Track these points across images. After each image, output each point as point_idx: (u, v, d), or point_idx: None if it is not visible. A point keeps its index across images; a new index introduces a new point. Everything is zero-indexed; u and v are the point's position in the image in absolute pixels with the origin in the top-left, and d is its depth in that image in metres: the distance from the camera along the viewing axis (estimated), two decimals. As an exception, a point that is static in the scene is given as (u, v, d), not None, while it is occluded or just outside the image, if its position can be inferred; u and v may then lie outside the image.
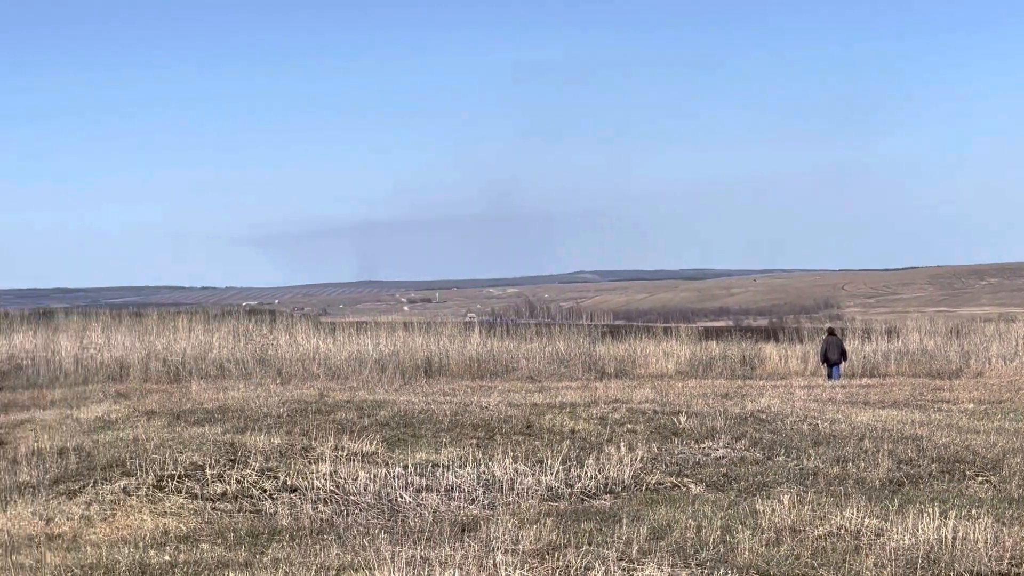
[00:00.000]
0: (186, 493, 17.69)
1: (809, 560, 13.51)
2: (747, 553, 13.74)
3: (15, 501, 17.21)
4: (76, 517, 16.47)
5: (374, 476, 18.43)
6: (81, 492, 17.69)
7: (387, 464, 19.59)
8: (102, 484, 18.01)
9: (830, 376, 45.34)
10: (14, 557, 14.12)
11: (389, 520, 16.37)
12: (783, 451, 21.48)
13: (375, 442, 21.32)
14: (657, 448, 21.50)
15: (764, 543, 14.26)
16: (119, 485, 17.91)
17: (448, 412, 25.36)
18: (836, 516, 15.42)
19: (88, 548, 14.62)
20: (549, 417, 24.94)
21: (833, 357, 46.00)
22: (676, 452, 21.31)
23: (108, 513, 16.70)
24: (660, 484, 18.88)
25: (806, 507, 16.04)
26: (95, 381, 42.49)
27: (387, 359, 46.89)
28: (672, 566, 12.96)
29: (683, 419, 24.52)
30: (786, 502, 16.01)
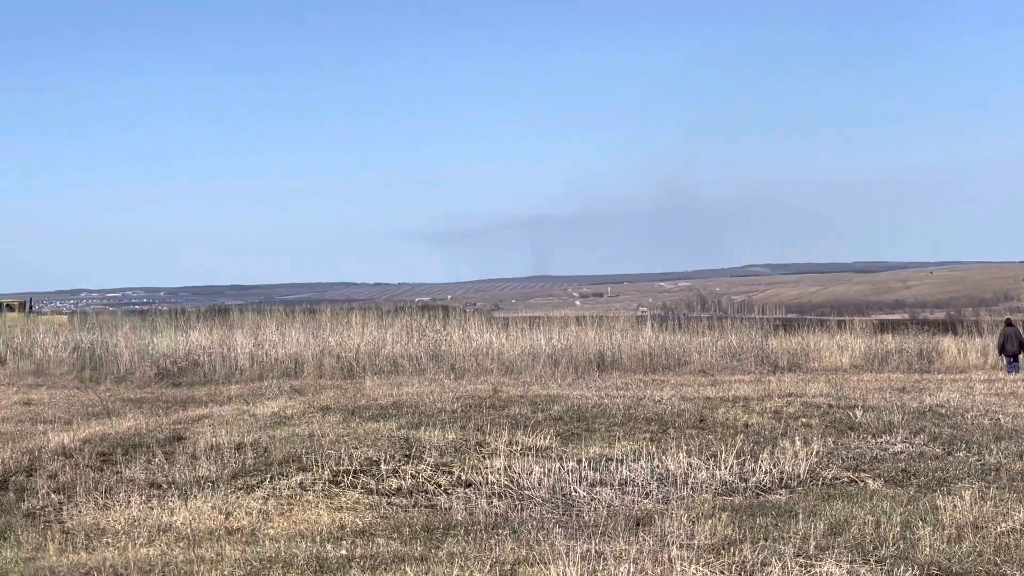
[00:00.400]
0: (362, 488, 17.83)
1: (992, 557, 13.22)
2: (928, 550, 13.47)
3: (195, 495, 17.49)
4: (254, 511, 16.68)
5: (548, 470, 18.43)
6: (259, 487, 17.92)
7: (561, 458, 19.56)
8: (279, 479, 18.23)
9: (1009, 369, 44.39)
10: (196, 550, 14.34)
11: (563, 514, 16.35)
12: (963, 446, 21.06)
13: (549, 437, 21.31)
14: (833, 442, 21.21)
15: (945, 540, 13.98)
16: (296, 480, 18.11)
17: (621, 406, 25.28)
18: (1020, 512, 15.08)
19: (266, 542, 14.80)
20: (722, 411, 24.73)
21: (1011, 349, 44.99)
22: (852, 447, 21.01)
23: (285, 508, 16.89)
24: (836, 479, 18.62)
25: (988, 503, 15.71)
26: (270, 377, 43.11)
27: (560, 353, 46.91)
28: (851, 562, 12.75)
29: (859, 413, 24.17)
30: (967, 498, 15.70)
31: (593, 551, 13.07)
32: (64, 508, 17.34)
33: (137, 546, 14.70)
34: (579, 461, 19.17)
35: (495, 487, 17.77)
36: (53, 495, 18.14)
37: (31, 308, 78.71)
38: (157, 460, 20.11)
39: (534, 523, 15.60)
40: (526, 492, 17.50)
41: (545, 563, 12.59)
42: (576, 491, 17.49)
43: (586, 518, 15.88)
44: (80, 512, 16.96)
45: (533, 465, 18.74)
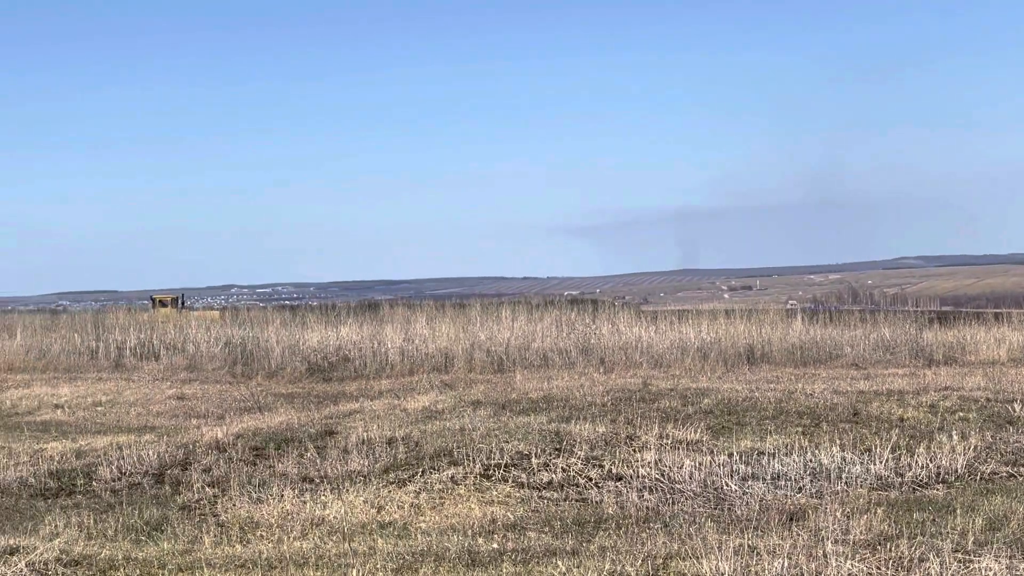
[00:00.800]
0: (512, 482, 17.83)
1: None
2: (1091, 545, 13.16)
3: (347, 489, 17.61)
4: (406, 505, 16.74)
5: (699, 464, 18.29)
6: (410, 481, 17.99)
7: (712, 452, 19.43)
8: (430, 473, 18.28)
9: None
10: (348, 544, 14.42)
11: (715, 508, 16.21)
12: None
13: (699, 430, 21.17)
14: (991, 437, 20.82)
15: (1109, 535, 13.65)
16: (447, 474, 18.15)
17: (772, 400, 25.06)
18: None
19: (418, 536, 14.84)
20: (876, 405, 24.41)
21: None
22: (1012, 441, 20.59)
23: (437, 501, 16.93)
24: (995, 474, 18.27)
25: None
26: (421, 372, 43.32)
27: (709, 347, 46.60)
28: (1010, 558, 12.48)
29: (1018, 407, 23.72)
30: None
31: (746, 545, 12.95)
32: (218, 501, 17.54)
33: (290, 539, 14.82)
34: (730, 455, 19.02)
35: (646, 481, 17.68)
36: (208, 489, 18.37)
37: (183, 304, 79.91)
38: (309, 454, 20.29)
39: (685, 517, 15.48)
40: (677, 486, 17.39)
41: (697, 557, 12.48)
42: (728, 485, 17.34)
43: (738, 512, 15.73)
44: (234, 505, 17.14)
45: (684, 459, 18.62)
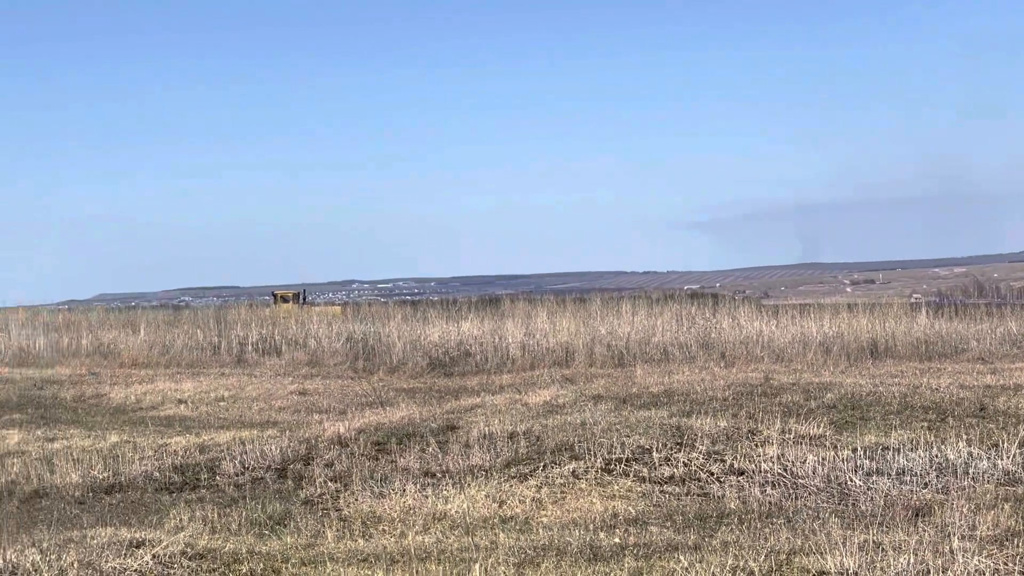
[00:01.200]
0: (634, 476, 17.79)
1: None
2: None
3: (469, 483, 17.66)
4: (527, 500, 16.76)
5: (822, 459, 18.14)
6: (531, 475, 18.00)
7: (835, 447, 19.25)
8: (551, 467, 18.28)
9: None
10: (470, 538, 14.46)
11: (839, 504, 16.07)
12: None
13: (822, 425, 20.99)
14: (1122, 430, 20.44)
15: None
16: (568, 468, 18.14)
17: (897, 394, 24.79)
18: None
19: (540, 530, 14.86)
20: (1004, 399, 24.06)
21: None
22: None
23: (558, 496, 16.93)
24: None
25: None
26: (541, 366, 43.35)
27: (831, 341, 46.18)
28: None
29: None
30: None
31: (871, 541, 12.82)
32: (341, 496, 17.67)
33: (413, 534, 14.89)
34: (854, 450, 18.84)
35: (768, 475, 17.57)
36: (330, 483, 18.51)
37: (304, 299, 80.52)
38: (431, 449, 20.37)
39: (809, 512, 15.37)
40: (800, 481, 17.26)
41: (821, 553, 12.37)
42: (852, 480, 17.17)
43: (862, 508, 15.59)
44: (356, 500, 17.26)
45: (807, 453, 18.47)
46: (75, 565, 12.24)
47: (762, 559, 12.48)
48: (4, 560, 12.26)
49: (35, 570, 12.15)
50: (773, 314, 52.02)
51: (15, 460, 22.00)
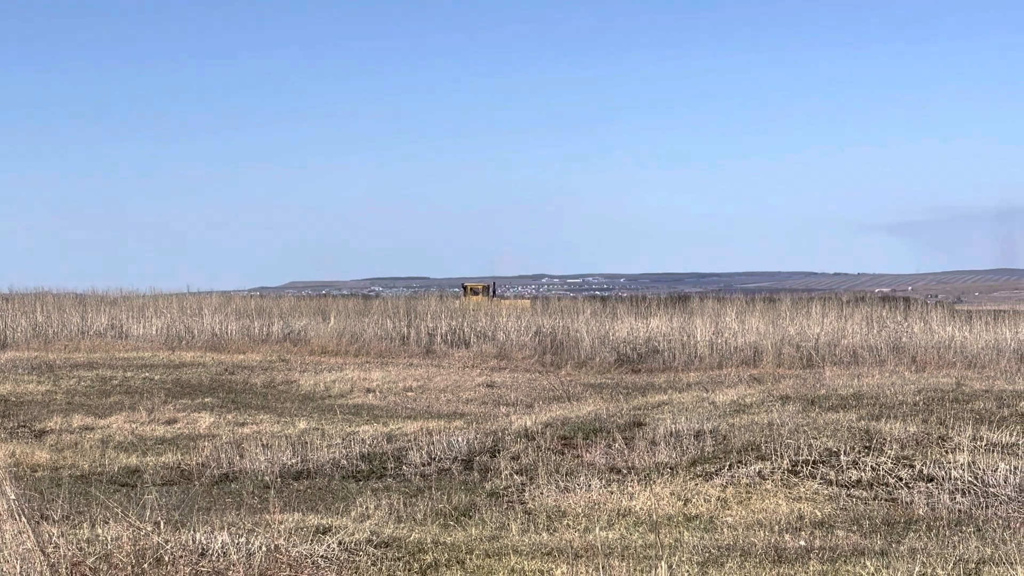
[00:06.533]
0: (820, 479, 17.66)
1: None
2: None
3: (654, 481, 17.68)
4: (712, 499, 16.74)
5: (1015, 468, 17.81)
6: (717, 474, 17.96)
7: (1029, 456, 18.88)
8: (737, 467, 18.22)
9: None
10: (655, 535, 14.48)
11: (1031, 514, 15.79)
12: None
13: (1016, 433, 20.57)
14: None
15: None
16: (754, 469, 18.07)
17: (1094, 404, 24.21)
18: None
19: (724, 530, 14.83)
20: None
21: None
22: None
23: (743, 496, 16.88)
24: None
25: None
26: (729, 365, 43.19)
27: (1027, 348, 45.34)
28: None
29: None
30: None
31: (1064, 554, 12.58)
32: (526, 489, 17.80)
33: (597, 529, 14.94)
34: (1049, 460, 18.47)
35: (958, 483, 17.31)
36: (516, 476, 18.66)
37: (494, 292, 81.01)
38: (617, 445, 20.40)
39: (999, 521, 15.14)
40: (991, 489, 16.98)
41: (1011, 563, 12.19)
42: (1045, 491, 16.86)
43: (1055, 519, 15.30)
44: (542, 494, 17.38)
45: (999, 462, 18.15)
46: (262, 549, 12.47)
47: (950, 567, 12.33)
48: (194, 541, 12.54)
49: (224, 553, 12.40)
50: (966, 319, 51.16)
51: (206, 443, 22.54)
